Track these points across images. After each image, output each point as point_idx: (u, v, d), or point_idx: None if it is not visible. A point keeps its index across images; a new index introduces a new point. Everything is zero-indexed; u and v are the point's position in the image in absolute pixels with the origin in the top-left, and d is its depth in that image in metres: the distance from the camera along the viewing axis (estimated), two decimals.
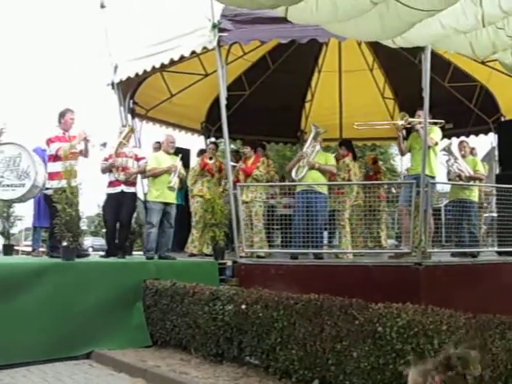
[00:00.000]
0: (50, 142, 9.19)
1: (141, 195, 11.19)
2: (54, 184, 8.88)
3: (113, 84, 11.58)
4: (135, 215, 10.74)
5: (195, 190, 11.51)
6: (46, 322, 7.42)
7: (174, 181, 9.61)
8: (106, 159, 9.80)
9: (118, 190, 9.71)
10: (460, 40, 4.59)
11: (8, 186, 8.89)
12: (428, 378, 2.17)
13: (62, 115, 9.34)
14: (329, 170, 9.99)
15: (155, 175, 9.79)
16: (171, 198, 9.79)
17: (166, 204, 9.75)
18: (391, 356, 5.02)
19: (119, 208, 9.75)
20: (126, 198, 9.77)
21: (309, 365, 5.80)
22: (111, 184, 9.78)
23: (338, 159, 10.71)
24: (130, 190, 9.85)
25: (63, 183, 8.51)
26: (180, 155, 10.07)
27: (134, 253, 10.85)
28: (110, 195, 9.83)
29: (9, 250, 10.42)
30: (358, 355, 5.32)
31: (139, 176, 10.42)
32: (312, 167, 9.79)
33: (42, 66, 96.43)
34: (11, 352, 7.03)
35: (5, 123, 9.27)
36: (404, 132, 9.94)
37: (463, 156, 10.65)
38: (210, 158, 11.42)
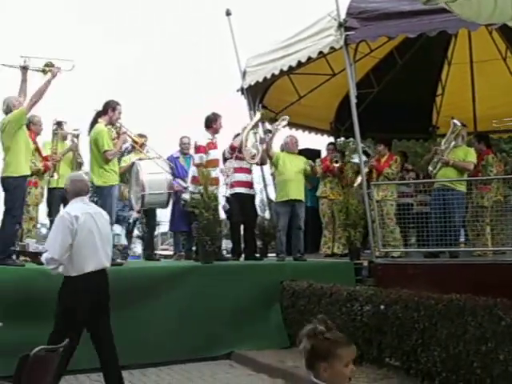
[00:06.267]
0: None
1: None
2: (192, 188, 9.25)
3: (242, 89, 11.82)
4: (269, 217, 10.92)
5: (319, 192, 11.52)
6: (187, 323, 7.72)
7: None
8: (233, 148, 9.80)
9: (248, 191, 9.89)
10: None
11: None
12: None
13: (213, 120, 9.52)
14: (463, 167, 9.44)
15: None
16: (296, 194, 9.76)
17: (292, 204, 9.75)
18: None
19: (247, 209, 9.87)
20: (252, 199, 10.09)
21: (452, 367, 5.64)
22: (238, 184, 9.75)
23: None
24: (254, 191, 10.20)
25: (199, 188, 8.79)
26: None
27: (268, 255, 10.99)
28: (238, 196, 9.77)
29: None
30: (504, 358, 5.10)
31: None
32: (446, 164, 9.45)
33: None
34: (155, 351, 7.36)
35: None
36: None
37: None
38: (334, 161, 11.27)
